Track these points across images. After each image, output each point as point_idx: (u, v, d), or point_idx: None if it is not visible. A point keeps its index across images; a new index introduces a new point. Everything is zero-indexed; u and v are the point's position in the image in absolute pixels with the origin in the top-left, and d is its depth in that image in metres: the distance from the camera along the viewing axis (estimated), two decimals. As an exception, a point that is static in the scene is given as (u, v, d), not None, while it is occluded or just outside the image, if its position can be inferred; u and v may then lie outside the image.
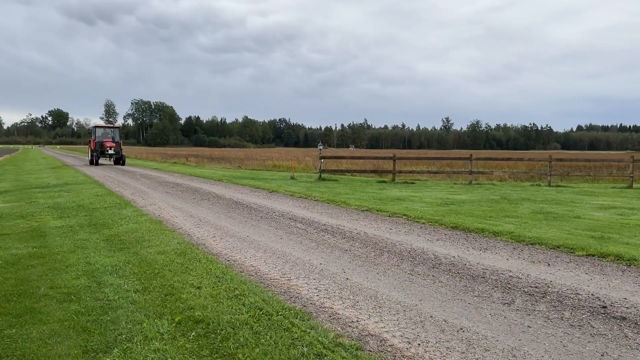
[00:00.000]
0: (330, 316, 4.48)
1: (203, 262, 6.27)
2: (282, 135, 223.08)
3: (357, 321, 4.35)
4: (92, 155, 32.34)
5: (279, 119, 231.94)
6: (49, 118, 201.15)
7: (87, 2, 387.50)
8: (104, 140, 32.61)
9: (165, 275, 5.72)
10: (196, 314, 4.45)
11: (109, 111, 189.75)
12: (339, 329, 4.17)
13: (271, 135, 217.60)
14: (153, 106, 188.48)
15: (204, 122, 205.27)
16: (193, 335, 4.03)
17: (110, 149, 31.69)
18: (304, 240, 7.86)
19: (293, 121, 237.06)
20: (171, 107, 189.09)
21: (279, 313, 4.43)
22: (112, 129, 35.70)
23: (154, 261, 6.39)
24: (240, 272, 5.94)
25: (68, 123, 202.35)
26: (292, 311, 4.50)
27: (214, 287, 5.22)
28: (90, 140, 33.63)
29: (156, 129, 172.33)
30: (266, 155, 51.04)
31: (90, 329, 4.22)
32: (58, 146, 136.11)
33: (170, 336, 4.02)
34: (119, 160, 32.70)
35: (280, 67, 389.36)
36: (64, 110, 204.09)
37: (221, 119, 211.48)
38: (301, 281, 5.59)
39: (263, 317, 4.35)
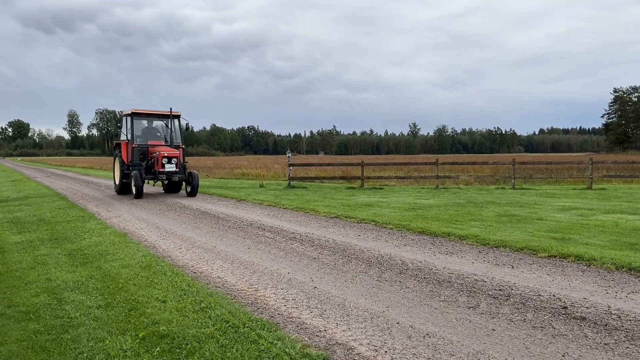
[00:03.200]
0: (298, 326, 4.46)
1: (169, 275, 6.17)
2: (251, 142, 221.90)
3: (325, 330, 4.34)
4: (125, 176, 16.73)
5: (248, 127, 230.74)
6: (9, 129, 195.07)
7: (44, 10, 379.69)
8: (152, 144, 16.89)
9: (129, 290, 5.59)
10: (161, 328, 4.37)
11: (72, 121, 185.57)
12: (306, 339, 4.15)
13: (240, 143, 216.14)
14: (118, 115, 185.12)
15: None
16: (157, 351, 3.95)
17: (170, 163, 15.81)
18: (272, 250, 7.82)
19: (262, 128, 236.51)
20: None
21: (246, 325, 4.39)
22: (166, 120, 17.50)
23: (117, 275, 6.24)
24: (207, 284, 5.86)
25: (29, 134, 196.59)
26: (259, 323, 4.46)
27: (179, 301, 5.13)
28: (118, 145, 17.52)
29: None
30: (235, 163, 50.62)
31: (50, 348, 4.09)
32: (19, 158, 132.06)
33: (133, 353, 3.93)
34: (183, 183, 17.26)
35: (246, 75, 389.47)
36: (25, 120, 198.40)
37: (187, 127, 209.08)
38: (269, 291, 5.55)
39: (229, 330, 4.30)
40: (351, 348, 3.95)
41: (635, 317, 4.57)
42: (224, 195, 16.61)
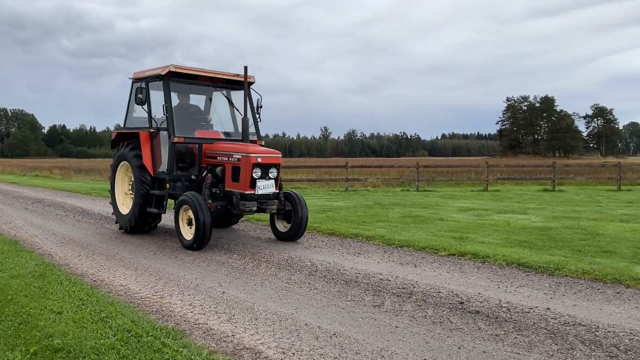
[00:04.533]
0: (205, 332, 4.37)
1: (65, 285, 5.78)
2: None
3: (233, 335, 4.29)
4: (148, 199, 8.79)
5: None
6: None
7: None
8: (205, 136, 8.98)
9: (19, 302, 5.17)
10: (55, 342, 4.08)
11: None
12: (213, 345, 4.08)
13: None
14: (10, 114, 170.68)
15: (71, 131, 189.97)
16: (51, 366, 3.69)
17: (266, 177, 8.05)
18: (179, 255, 7.59)
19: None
20: (32, 115, 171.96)
21: (150, 334, 4.22)
22: (226, 91, 9.82)
23: (6, 286, 5.75)
24: (108, 292, 5.58)
25: None
26: (163, 331, 4.32)
27: (76, 311, 4.83)
28: (123, 137, 9.63)
29: (14, 139, 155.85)
30: (141, 165, 48.62)
31: None
32: None
33: (23, 370, 3.65)
34: (282, 215, 8.71)
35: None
36: None
37: (90, 128, 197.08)
38: (175, 298, 5.39)
39: (132, 340, 4.11)
40: (259, 352, 3.94)
41: (522, 309, 4.97)
42: (128, 199, 15.86)
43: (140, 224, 9.18)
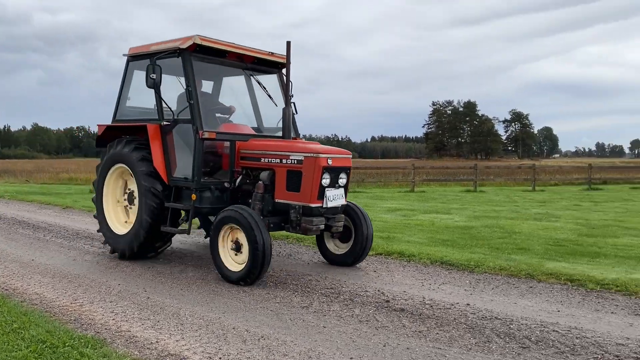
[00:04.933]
0: (127, 340, 4.21)
1: (-28, 295, 5.38)
2: (81, 144, 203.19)
3: (157, 342, 4.17)
4: (158, 213, 6.76)
5: (77, 127, 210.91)
6: None
7: None
8: (231, 131, 7.08)
9: None
10: (-40, 357, 3.80)
11: None
12: (136, 352, 3.94)
13: (68, 144, 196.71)
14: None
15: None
16: (-46, 383, 3.43)
17: (336, 185, 6.30)
18: (102, 260, 7.27)
19: (93, 130, 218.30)
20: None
21: (67, 344, 4.01)
22: (254, 73, 7.86)
23: None
24: (22, 301, 5.24)
25: None
26: (82, 340, 4.11)
27: (-15, 323, 4.51)
28: (119, 132, 7.63)
29: None
30: (61, 167, 45.97)
31: None
32: None
33: None
34: (347, 240, 6.93)
35: (76, 71, 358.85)
36: None
37: (5, 127, 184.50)
38: (96, 305, 5.16)
39: (46, 351, 3.89)
40: (184, 357, 3.85)
41: (444, 306, 5.18)
42: (46, 203, 15.00)
43: (148, 245, 7.09)
